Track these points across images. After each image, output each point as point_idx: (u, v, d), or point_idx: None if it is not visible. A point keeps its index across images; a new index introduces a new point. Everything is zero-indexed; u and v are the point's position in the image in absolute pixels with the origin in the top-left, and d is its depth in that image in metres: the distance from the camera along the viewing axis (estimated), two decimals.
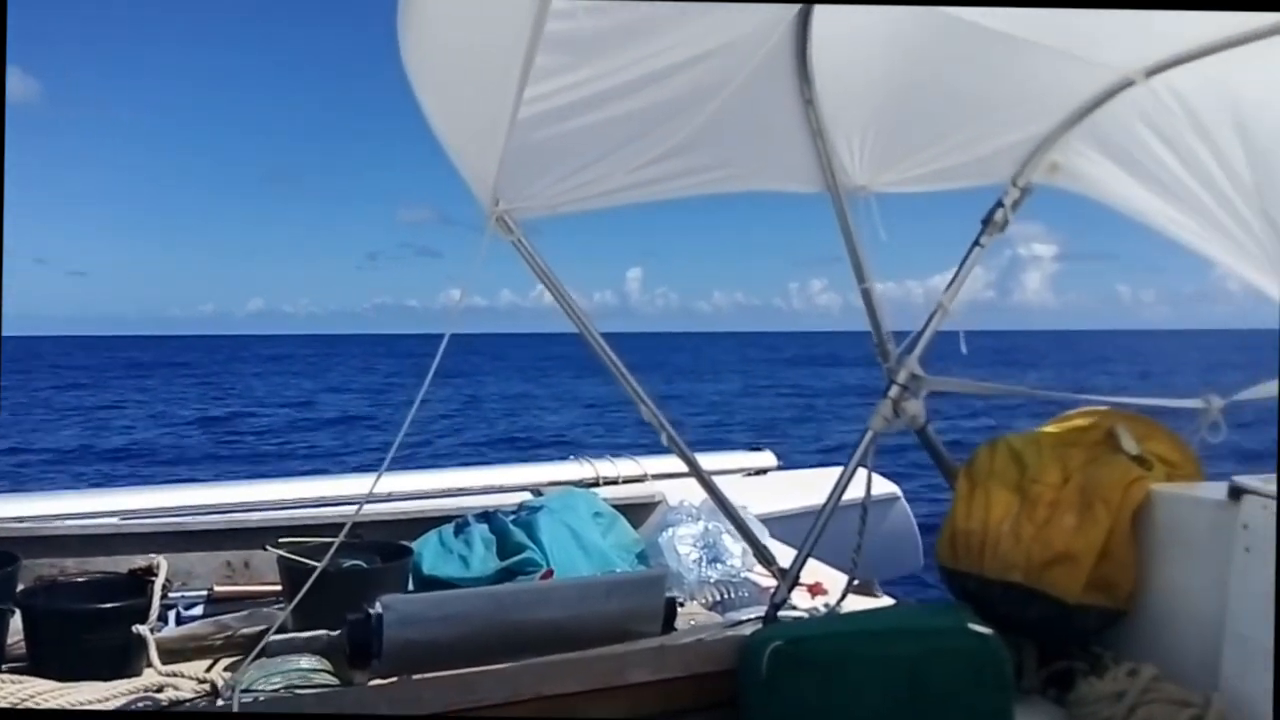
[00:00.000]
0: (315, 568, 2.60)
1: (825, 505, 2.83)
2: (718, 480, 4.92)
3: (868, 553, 3.94)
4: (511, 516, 3.51)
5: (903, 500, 5.30)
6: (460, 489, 4.14)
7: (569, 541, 3.43)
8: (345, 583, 2.87)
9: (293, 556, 2.91)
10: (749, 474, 5.09)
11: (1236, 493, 2.40)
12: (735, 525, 3.01)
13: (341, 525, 2.62)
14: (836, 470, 4.04)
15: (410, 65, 2.08)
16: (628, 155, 2.54)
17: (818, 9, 2.45)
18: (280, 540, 3.07)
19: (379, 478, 2.51)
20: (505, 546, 3.39)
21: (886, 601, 3.32)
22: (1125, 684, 2.47)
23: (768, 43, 2.26)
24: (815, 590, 3.35)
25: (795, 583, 2.80)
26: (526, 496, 4.10)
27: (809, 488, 4.48)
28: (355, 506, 2.76)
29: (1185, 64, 2.58)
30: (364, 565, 3.08)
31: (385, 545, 3.17)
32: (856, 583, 3.26)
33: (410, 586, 3.21)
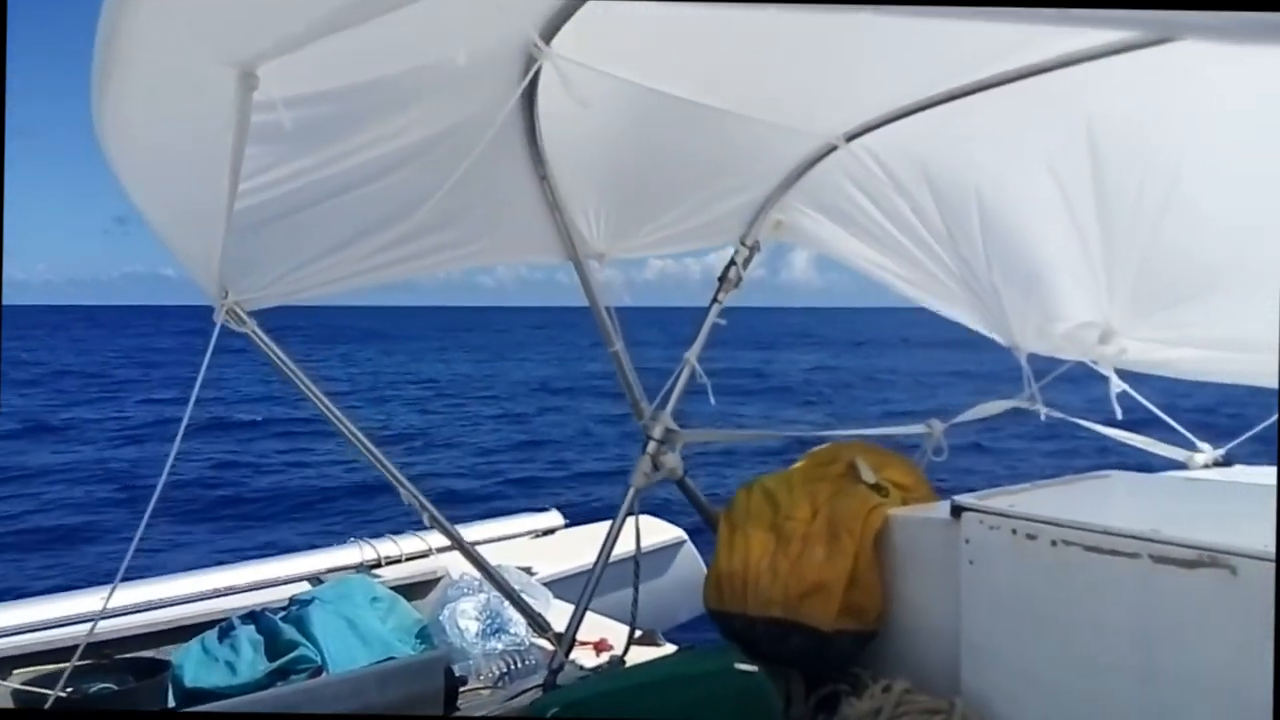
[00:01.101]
0: (55, 697, 2.39)
1: (595, 564, 2.89)
2: (504, 545, 4.95)
3: (661, 600, 4.03)
4: (281, 613, 3.34)
5: (689, 544, 5.46)
6: (224, 589, 3.89)
7: (345, 632, 3.30)
8: (93, 710, 2.65)
9: (30, 688, 2.66)
10: (536, 535, 5.09)
11: (957, 511, 2.64)
12: (504, 594, 3.00)
13: (89, 646, 2.42)
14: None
15: (114, 161, 2.00)
16: (368, 240, 2.53)
17: (541, 88, 2.54)
18: (14, 671, 2.80)
19: (114, 588, 2.35)
20: (275, 646, 3.22)
21: (669, 649, 3.40)
22: (881, 700, 2.65)
23: (494, 124, 2.33)
24: (600, 647, 3.39)
25: (572, 645, 2.83)
26: (304, 587, 3.93)
27: (597, 544, 4.54)
28: (91, 624, 2.55)
29: (877, 129, 2.87)
30: (114, 687, 2.84)
31: (137, 662, 2.94)
32: (639, 634, 3.33)
33: (171, 703, 2.99)
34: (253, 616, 3.37)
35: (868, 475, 3.00)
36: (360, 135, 2.14)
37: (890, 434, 3.23)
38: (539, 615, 2.99)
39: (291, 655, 3.15)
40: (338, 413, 2.65)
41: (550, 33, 2.25)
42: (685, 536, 5.46)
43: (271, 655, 3.21)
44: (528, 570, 4.55)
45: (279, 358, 2.58)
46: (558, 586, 4.08)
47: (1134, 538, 2.26)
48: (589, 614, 3.68)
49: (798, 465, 3.16)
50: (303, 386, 2.61)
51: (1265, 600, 2.05)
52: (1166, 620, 2.20)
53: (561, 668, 2.74)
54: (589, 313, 2.93)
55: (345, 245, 2.50)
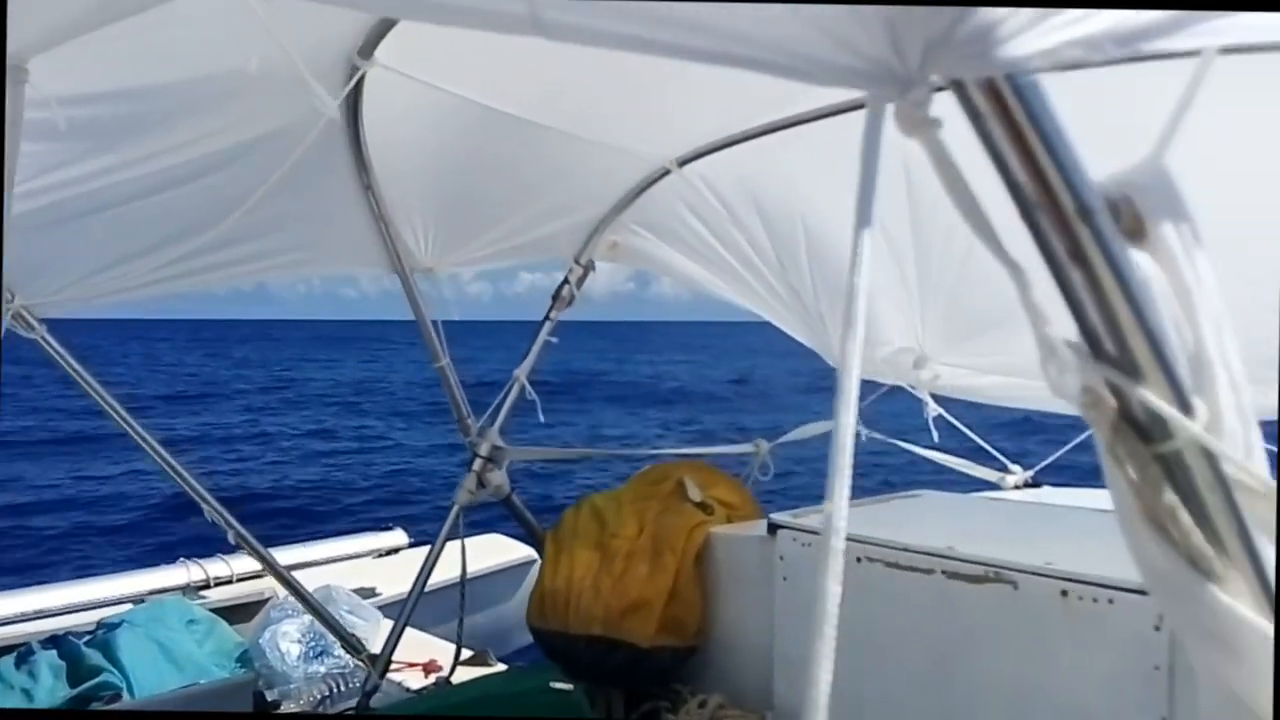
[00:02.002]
0: None
1: (415, 584, 2.84)
2: (346, 565, 4.82)
3: (509, 619, 3.97)
4: (86, 638, 3.17)
5: (540, 562, 5.43)
6: (32, 613, 3.67)
7: (156, 656, 3.15)
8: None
9: None
10: (379, 555, 4.99)
11: (773, 528, 2.71)
12: (315, 615, 2.92)
13: None
14: (469, 542, 4.08)
15: None
16: (174, 246, 2.45)
17: (366, 97, 2.51)
18: None
19: None
20: (78, 672, 3.05)
21: (500, 669, 3.38)
22: (696, 715, 2.70)
23: (310, 134, 2.28)
24: (429, 668, 3.34)
25: (388, 666, 2.78)
26: (120, 610, 3.73)
27: (441, 563, 4.48)
28: None
29: (707, 155, 2.93)
30: None
31: None
32: (470, 654, 3.30)
33: None
34: (54, 641, 3.19)
35: (694, 494, 3.05)
36: (159, 139, 2.07)
37: (718, 453, 3.30)
38: (353, 636, 2.92)
39: (94, 681, 2.99)
40: (135, 425, 2.54)
41: (375, 41, 2.22)
42: (536, 555, 5.43)
43: (73, 681, 3.04)
44: (372, 591, 4.45)
45: (72, 367, 2.46)
46: (397, 608, 4.01)
47: (929, 554, 2.37)
48: (423, 635, 3.62)
49: (628, 484, 3.20)
50: (97, 397, 2.49)
51: (1043, 614, 2.18)
52: (957, 632, 2.31)
53: (375, 689, 2.68)
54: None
55: (150, 250, 2.40)
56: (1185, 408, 0.63)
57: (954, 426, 3.53)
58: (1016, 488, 3.50)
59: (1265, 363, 2.76)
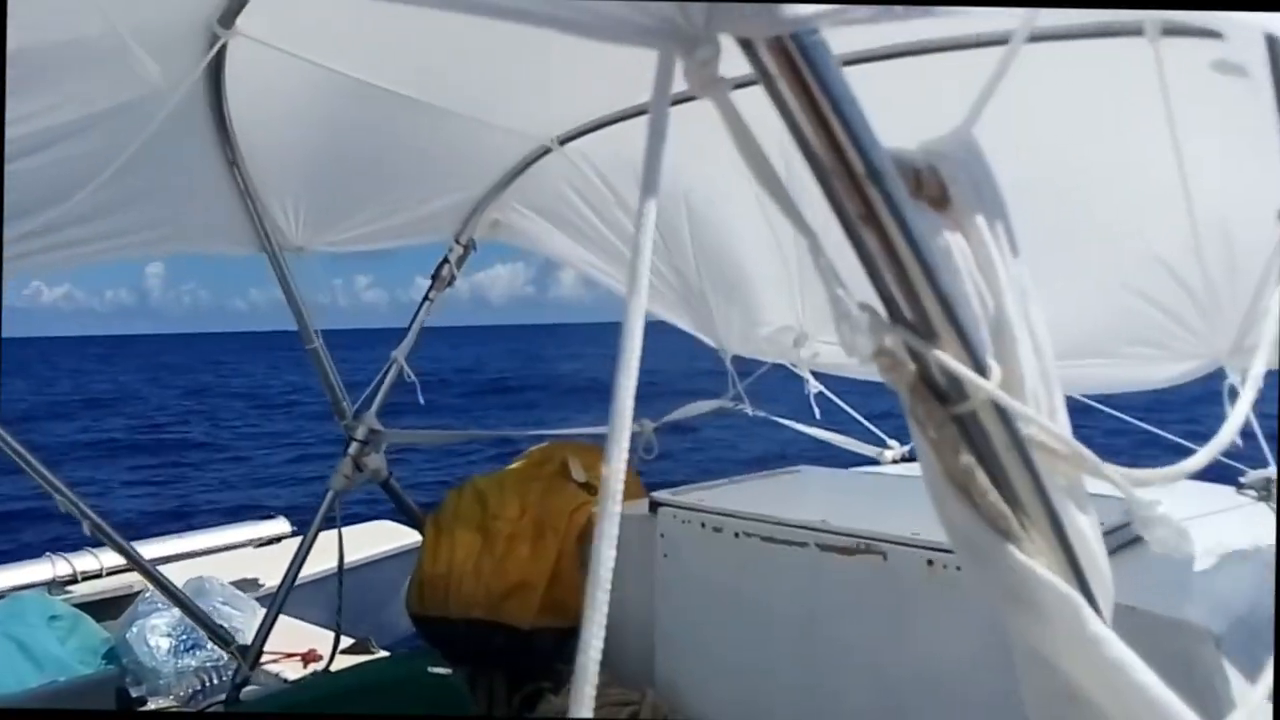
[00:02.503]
0: None
1: (288, 572, 2.76)
2: (226, 556, 4.66)
3: (399, 606, 3.89)
4: None
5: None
6: None
7: (14, 654, 2.99)
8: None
9: None
10: (260, 544, 4.83)
11: (654, 506, 2.73)
12: (180, 607, 2.80)
13: None
14: (350, 530, 3.98)
15: None
16: (21, 222, 2.30)
17: (227, 65, 2.40)
18: None
19: None
20: None
21: (383, 656, 3.31)
22: None
23: (168, 106, 2.17)
24: (309, 658, 3.25)
25: (258, 658, 2.69)
26: None
27: (323, 552, 4.37)
28: None
29: (589, 133, 2.91)
30: None
31: None
32: (352, 642, 3.22)
33: None
34: None
35: (578, 474, 3.05)
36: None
37: (599, 432, 3.29)
38: (221, 628, 2.82)
39: None
40: None
41: (235, 9, 2.12)
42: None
43: None
44: (254, 582, 4.31)
45: None
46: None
47: (803, 528, 2.42)
48: (304, 624, 3.53)
49: (513, 466, 3.17)
50: None
51: (910, 583, 2.25)
52: (828, 603, 2.37)
53: (246, 682, 2.60)
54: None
55: None
56: (980, 369, 0.64)
57: (835, 403, 3.60)
58: (894, 462, 3.60)
59: (1129, 340, 2.87)
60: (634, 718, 2.62)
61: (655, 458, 3.25)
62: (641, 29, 0.55)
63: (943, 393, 0.64)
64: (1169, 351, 2.66)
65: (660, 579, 2.70)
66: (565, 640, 2.82)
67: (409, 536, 5.05)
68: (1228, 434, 0.99)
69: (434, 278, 3.02)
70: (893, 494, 2.98)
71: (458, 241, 3.05)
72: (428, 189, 2.90)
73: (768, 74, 0.56)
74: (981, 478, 0.66)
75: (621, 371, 0.51)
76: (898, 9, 0.55)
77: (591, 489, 3.02)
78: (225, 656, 3.22)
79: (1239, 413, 1.02)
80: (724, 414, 3.43)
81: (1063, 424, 0.77)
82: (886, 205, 0.58)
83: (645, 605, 2.74)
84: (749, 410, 3.44)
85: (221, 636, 2.76)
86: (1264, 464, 2.64)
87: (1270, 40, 1.12)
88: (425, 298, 3.00)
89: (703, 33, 0.53)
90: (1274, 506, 2.54)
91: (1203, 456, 0.93)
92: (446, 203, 2.98)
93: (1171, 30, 1.76)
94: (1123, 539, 2.40)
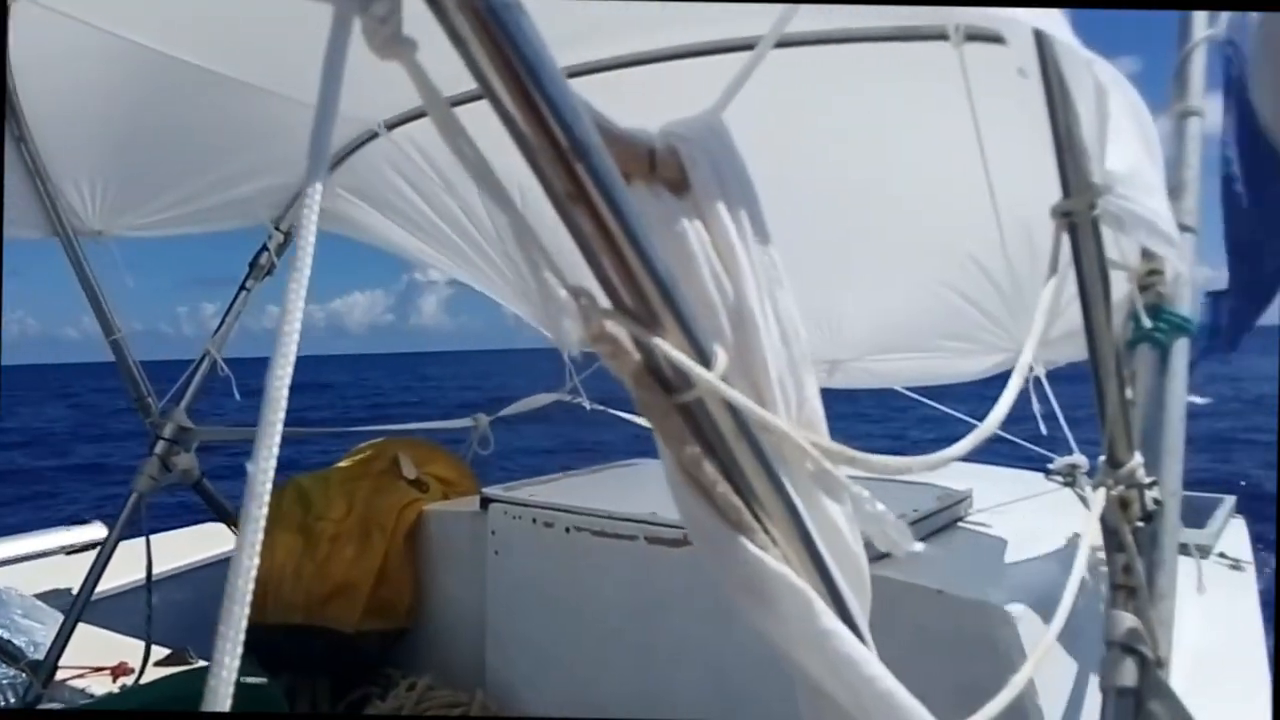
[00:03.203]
0: None
1: (86, 580, 2.57)
2: (33, 564, 4.31)
3: None
4: None
5: None
6: None
7: None
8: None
9: None
10: (72, 551, 4.50)
11: (485, 502, 2.66)
12: None
13: None
14: (175, 535, 3.74)
15: None
16: None
17: (14, 33, 2.20)
18: None
19: None
20: None
21: (200, 666, 3.13)
22: (404, 698, 2.61)
23: None
24: (119, 671, 3.04)
25: (53, 673, 2.49)
26: None
27: (141, 559, 4.12)
28: None
29: (418, 119, 2.81)
30: None
31: None
32: (168, 653, 3.03)
33: None
34: None
35: (410, 470, 2.95)
36: None
37: (436, 428, 3.21)
38: (10, 644, 2.60)
39: None
40: None
41: None
42: None
43: None
44: (68, 592, 4.00)
45: None
46: (101, 607, 3.63)
47: (632, 521, 2.40)
48: (115, 636, 3.29)
49: (340, 463, 3.04)
50: None
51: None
52: (657, 595, 2.36)
53: (39, 700, 2.40)
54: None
55: None
56: (705, 357, 0.62)
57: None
58: None
59: (943, 334, 2.96)
60: (463, 719, 2.56)
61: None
62: None
63: (667, 381, 0.62)
64: (980, 345, 2.78)
65: (491, 577, 2.65)
66: (393, 642, 2.73)
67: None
68: (992, 422, 1.02)
69: (251, 266, 2.86)
70: None
71: (278, 228, 2.90)
72: (242, 172, 2.74)
73: (459, 37, 0.52)
74: (710, 468, 0.64)
75: (277, 359, 0.46)
76: None
77: (424, 486, 2.94)
78: (18, 675, 2.98)
79: (1004, 401, 1.05)
80: (561, 406, 3.39)
81: (812, 415, 0.77)
82: (596, 183, 0.55)
83: (476, 605, 2.68)
84: (586, 404, 3.42)
85: (9, 653, 2.54)
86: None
87: (1039, 36, 1.16)
88: (242, 287, 2.83)
89: None
90: (1080, 492, 2.67)
91: (966, 443, 0.94)
92: (261, 186, 2.82)
93: (973, 35, 1.82)
94: (935, 525, 2.50)
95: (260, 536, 0.45)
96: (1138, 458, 1.47)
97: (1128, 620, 1.45)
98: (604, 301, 0.60)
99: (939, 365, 3.04)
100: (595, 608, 2.46)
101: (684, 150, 0.68)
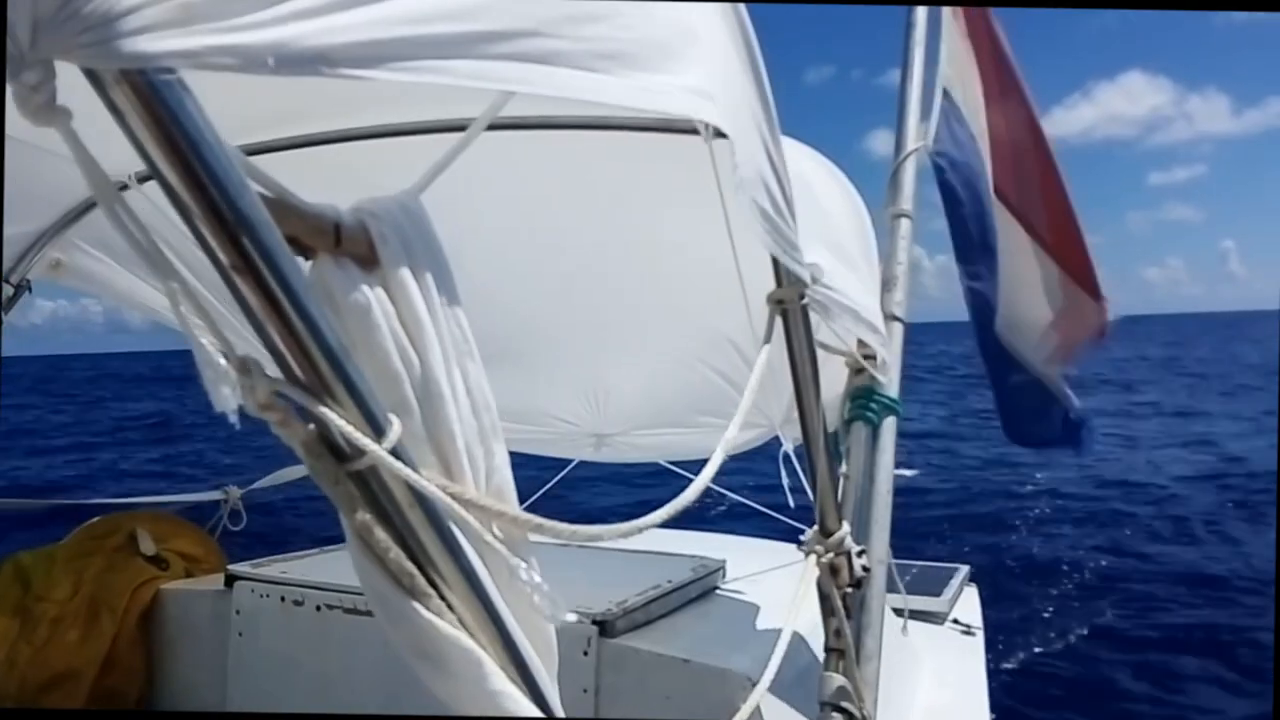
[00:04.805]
0: None
1: None
2: None
3: None
4: None
5: None
6: None
7: None
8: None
9: None
10: None
11: (230, 580, 2.52)
12: None
13: None
14: None
15: None
16: None
17: None
18: None
19: None
20: None
21: None
22: None
23: None
24: None
25: None
26: None
27: None
28: None
29: None
30: None
31: None
32: None
33: None
34: None
35: (148, 547, 2.75)
36: None
37: (181, 500, 3.03)
38: None
39: None
40: None
41: None
42: None
43: None
44: None
45: None
46: None
47: None
48: None
49: (67, 539, 2.79)
50: None
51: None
52: (411, 675, 2.30)
53: None
54: None
55: None
56: (378, 428, 0.64)
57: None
58: None
59: (701, 410, 3.10)
60: None
61: None
62: None
63: (340, 450, 0.64)
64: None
65: (234, 658, 2.49)
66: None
67: None
68: (692, 492, 1.09)
69: None
70: None
71: (8, 281, 2.67)
72: None
73: (117, 110, 0.53)
74: (382, 534, 0.66)
75: None
76: (270, 61, 0.55)
77: (163, 563, 2.74)
78: None
79: (704, 476, 1.13)
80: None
81: (503, 480, 0.80)
82: (261, 256, 0.57)
83: (217, 689, 2.51)
84: None
85: None
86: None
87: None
88: None
89: (28, 55, 0.50)
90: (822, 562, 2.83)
91: (661, 513, 1.00)
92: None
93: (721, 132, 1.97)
94: (689, 595, 2.59)
95: None
96: (845, 527, 1.60)
97: (837, 680, 1.56)
98: (275, 372, 0.62)
99: (701, 440, 3.18)
100: (346, 688, 2.37)
101: (373, 226, 0.71)
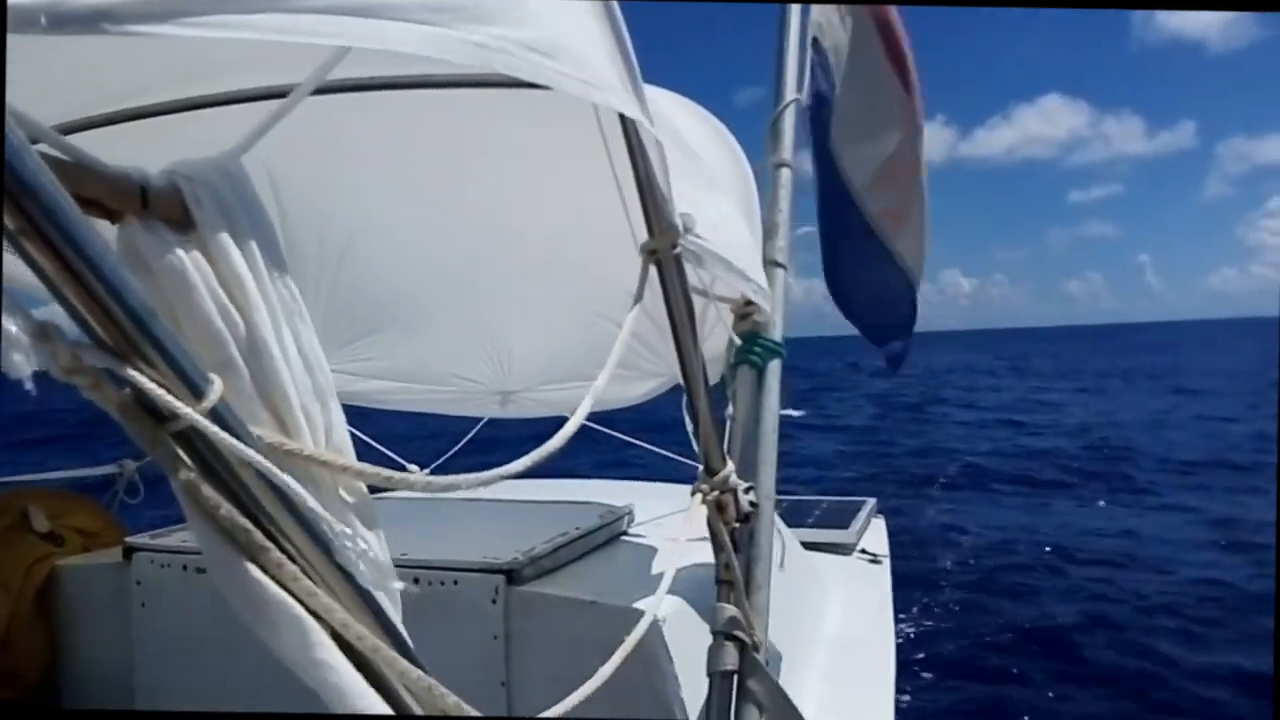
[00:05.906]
0: None
1: None
2: None
3: None
4: None
5: None
6: None
7: None
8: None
9: None
10: None
11: (129, 552, 2.48)
12: None
13: None
14: None
15: None
16: None
17: None
18: None
19: None
20: None
21: None
22: None
23: None
24: None
25: None
26: None
27: None
28: None
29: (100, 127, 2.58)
30: None
31: None
32: None
33: None
34: None
35: (41, 524, 2.68)
36: None
37: (73, 476, 2.95)
38: None
39: None
40: None
41: None
42: None
43: None
44: None
45: None
46: None
47: None
48: None
49: None
50: None
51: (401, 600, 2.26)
52: None
53: None
54: None
55: None
56: (194, 388, 0.64)
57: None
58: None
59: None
60: None
61: None
62: None
63: (159, 411, 0.64)
64: (638, 371, 2.97)
65: (138, 630, 2.46)
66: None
67: None
68: (556, 441, 1.11)
69: None
70: (398, 518, 3.00)
71: None
72: None
73: None
74: (209, 492, 0.67)
75: None
76: (43, 20, 0.54)
77: (58, 539, 2.68)
78: None
79: (570, 425, 1.15)
80: None
81: (340, 438, 0.81)
82: (50, 221, 0.57)
83: (122, 662, 2.48)
84: None
85: None
86: None
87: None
88: None
89: None
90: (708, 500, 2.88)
91: (521, 463, 1.03)
92: None
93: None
94: (597, 540, 2.63)
95: None
96: (730, 465, 1.65)
97: (728, 610, 1.61)
98: (79, 336, 0.61)
99: (607, 392, 3.20)
100: (253, 653, 2.35)
101: (186, 189, 0.71)
